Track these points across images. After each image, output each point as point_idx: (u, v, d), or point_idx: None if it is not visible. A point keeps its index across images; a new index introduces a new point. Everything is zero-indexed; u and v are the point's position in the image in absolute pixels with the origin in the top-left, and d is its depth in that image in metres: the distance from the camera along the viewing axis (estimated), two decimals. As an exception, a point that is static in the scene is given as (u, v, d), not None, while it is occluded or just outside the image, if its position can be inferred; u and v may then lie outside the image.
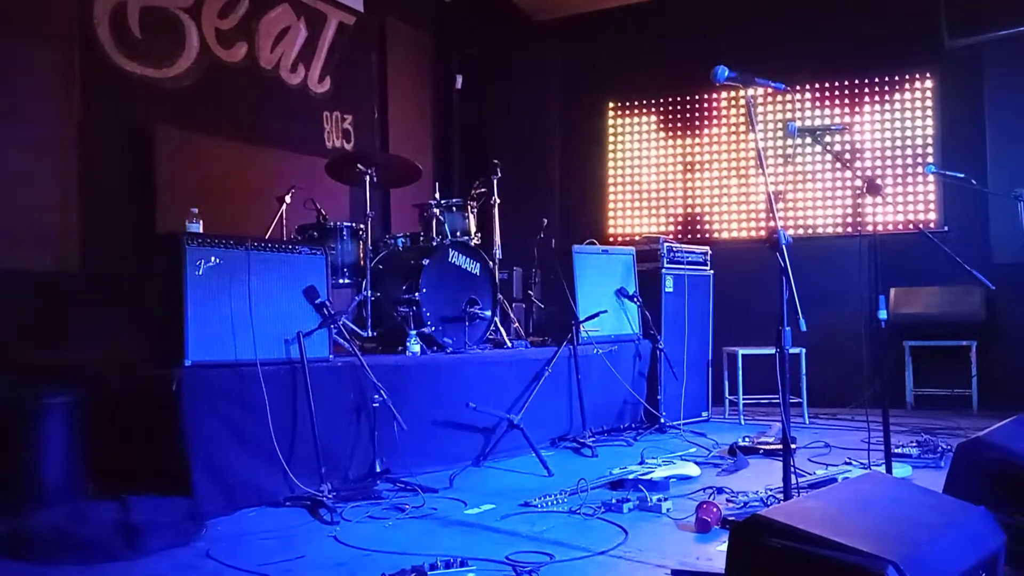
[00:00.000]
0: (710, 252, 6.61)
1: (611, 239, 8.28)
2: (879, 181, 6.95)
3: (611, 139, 8.54)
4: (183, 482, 3.40)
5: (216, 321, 3.69)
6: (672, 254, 6.24)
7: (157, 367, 3.65)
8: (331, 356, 4.15)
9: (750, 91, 3.15)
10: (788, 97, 7.73)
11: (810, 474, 4.02)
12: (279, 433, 3.70)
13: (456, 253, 5.21)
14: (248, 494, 3.62)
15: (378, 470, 4.04)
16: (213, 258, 3.71)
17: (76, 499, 3.40)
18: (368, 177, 5.04)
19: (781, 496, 3.09)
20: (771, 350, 2.99)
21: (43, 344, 4.36)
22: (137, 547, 2.95)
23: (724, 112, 8.07)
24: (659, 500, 3.54)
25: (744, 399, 6.24)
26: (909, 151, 7.30)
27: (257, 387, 3.66)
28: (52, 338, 4.43)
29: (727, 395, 6.39)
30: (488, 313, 5.26)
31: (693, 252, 6.47)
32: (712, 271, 6.57)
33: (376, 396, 4.01)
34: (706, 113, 8.14)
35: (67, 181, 4.99)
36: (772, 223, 3.00)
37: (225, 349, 3.70)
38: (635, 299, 5.99)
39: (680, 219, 8.18)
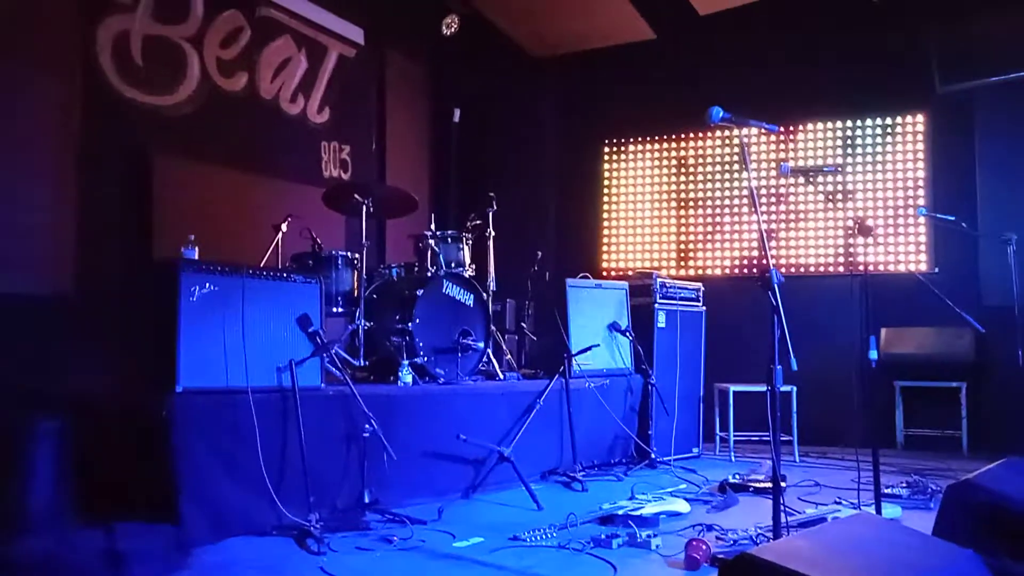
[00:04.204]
0: (703, 288, 6.63)
1: (605, 273, 8.32)
2: (869, 222, 7.01)
3: (606, 174, 8.62)
4: (170, 509, 3.37)
5: (209, 347, 3.69)
6: (665, 289, 6.25)
7: (148, 393, 3.64)
8: (323, 385, 4.14)
9: (744, 131, 3.21)
10: (781, 137, 7.83)
11: (800, 513, 4.02)
12: (268, 461, 3.68)
13: (450, 284, 5.23)
14: (235, 522, 3.59)
15: (367, 500, 4.01)
16: (208, 285, 3.72)
17: (64, 525, 3.37)
18: (364, 207, 5.08)
19: (771, 535, 3.09)
20: (762, 387, 3.00)
21: (36, 369, 4.34)
22: (123, 575, 2.92)
23: (718, 151, 8.16)
24: (648, 536, 3.53)
25: (735, 436, 6.23)
26: (900, 193, 7.38)
27: (248, 414, 3.64)
28: (45, 363, 4.41)
29: (718, 431, 6.39)
30: (481, 344, 5.27)
31: (686, 288, 6.49)
32: (704, 307, 6.58)
33: (367, 426, 3.98)
34: (700, 151, 8.23)
35: (65, 206, 5.00)
36: (765, 261, 3.03)
37: (217, 376, 3.69)
38: (627, 333, 6.00)
39: (673, 255, 8.23)
